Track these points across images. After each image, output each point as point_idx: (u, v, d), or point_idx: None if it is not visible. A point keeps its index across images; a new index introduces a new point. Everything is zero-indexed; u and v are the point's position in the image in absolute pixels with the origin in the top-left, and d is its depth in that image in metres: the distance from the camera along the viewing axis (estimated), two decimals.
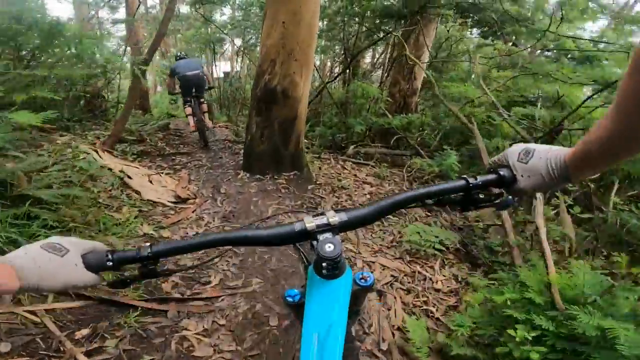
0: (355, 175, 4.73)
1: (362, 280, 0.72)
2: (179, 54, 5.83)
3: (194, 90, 5.18)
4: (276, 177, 4.06)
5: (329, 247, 0.55)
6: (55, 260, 0.52)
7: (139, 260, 0.58)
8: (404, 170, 4.97)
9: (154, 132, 6.00)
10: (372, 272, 0.90)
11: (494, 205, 0.65)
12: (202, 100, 5.39)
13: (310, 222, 0.59)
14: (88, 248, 0.57)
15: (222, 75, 11.11)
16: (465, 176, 0.64)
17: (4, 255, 0.49)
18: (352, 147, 5.52)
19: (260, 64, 3.78)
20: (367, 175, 4.81)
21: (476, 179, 0.64)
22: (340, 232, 0.61)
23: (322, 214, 0.61)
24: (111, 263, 0.57)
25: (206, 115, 5.53)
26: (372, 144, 5.80)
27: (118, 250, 0.58)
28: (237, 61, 12.14)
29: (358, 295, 0.74)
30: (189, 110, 5.22)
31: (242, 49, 10.85)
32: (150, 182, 3.50)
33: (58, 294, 1.42)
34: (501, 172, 0.63)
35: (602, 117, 0.49)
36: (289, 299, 0.74)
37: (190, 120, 5.25)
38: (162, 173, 3.97)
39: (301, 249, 0.85)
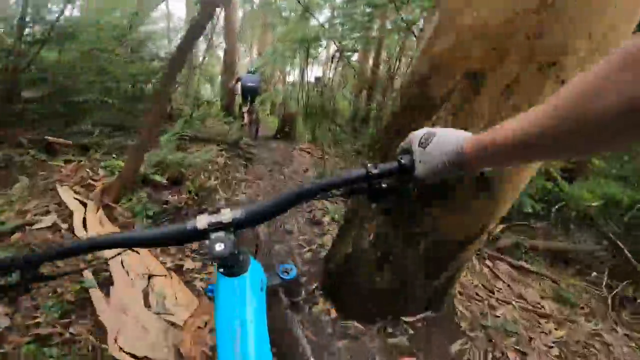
0: (519, 295, 2.61)
1: (285, 273, 0.70)
2: (251, 69, 7.54)
3: (249, 96, 7.01)
4: (390, 328, 1.91)
5: (218, 246, 0.52)
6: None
7: (11, 269, 0.54)
8: (603, 286, 2.71)
9: (202, 164, 3.83)
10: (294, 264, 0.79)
11: (395, 193, 0.62)
12: (255, 103, 7.13)
13: (202, 222, 0.55)
14: None
15: (312, 80, 10.42)
16: (367, 165, 0.61)
17: None
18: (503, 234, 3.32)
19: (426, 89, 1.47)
20: (541, 297, 2.65)
21: (376, 167, 0.60)
22: (237, 229, 0.56)
23: (217, 211, 0.57)
24: None
25: (256, 115, 7.25)
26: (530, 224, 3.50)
27: None
28: (329, 66, 10.89)
29: (288, 289, 0.71)
30: (245, 109, 7.05)
31: (338, 52, 9.18)
32: (147, 293, 1.87)
33: None
34: (402, 160, 0.61)
35: (532, 109, 0.43)
36: (209, 294, 0.69)
37: (246, 116, 7.01)
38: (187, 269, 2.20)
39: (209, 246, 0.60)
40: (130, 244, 0.56)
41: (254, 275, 0.58)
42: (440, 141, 0.55)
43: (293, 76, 15.76)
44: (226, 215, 0.55)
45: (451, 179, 0.58)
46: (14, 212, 2.29)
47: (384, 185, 0.61)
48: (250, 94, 6.98)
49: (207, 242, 0.53)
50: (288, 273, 0.69)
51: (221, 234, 0.54)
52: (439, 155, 0.54)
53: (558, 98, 0.40)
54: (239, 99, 7.82)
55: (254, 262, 0.60)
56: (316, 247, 2.75)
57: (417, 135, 0.59)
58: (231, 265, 0.56)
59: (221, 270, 0.56)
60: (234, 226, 0.55)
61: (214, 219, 0.55)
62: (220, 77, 11.66)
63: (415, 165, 0.58)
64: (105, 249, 0.57)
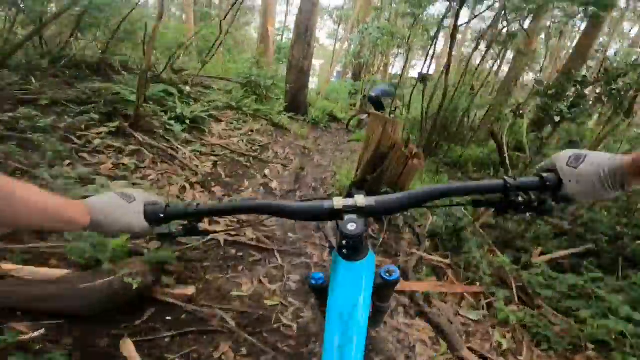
0: None
1: (387, 274, 0.69)
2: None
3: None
4: None
5: (351, 226, 0.56)
6: (124, 206, 0.61)
7: (185, 216, 0.64)
8: None
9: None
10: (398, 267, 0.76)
11: (532, 209, 0.60)
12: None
13: (338, 203, 0.60)
14: (151, 201, 0.64)
15: (416, 76, 8.10)
16: (504, 177, 0.61)
17: (86, 198, 0.59)
18: None
19: None
20: None
21: (515, 179, 0.61)
22: (367, 216, 0.60)
23: (352, 196, 0.62)
24: (162, 215, 0.63)
25: None
26: None
27: (171, 205, 0.65)
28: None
29: (382, 291, 0.74)
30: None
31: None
32: None
33: (116, 235, 0.80)
34: (544, 175, 0.60)
35: None
36: (313, 282, 0.73)
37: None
38: None
39: (325, 233, 0.88)
40: (276, 212, 0.64)
41: (370, 264, 0.61)
42: (595, 162, 0.55)
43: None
44: (361, 200, 0.60)
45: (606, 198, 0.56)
46: None
47: (520, 200, 0.60)
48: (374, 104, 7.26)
49: (339, 221, 0.58)
50: (391, 274, 0.69)
51: (354, 216, 0.58)
52: (598, 175, 0.53)
53: None
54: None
55: (371, 253, 0.62)
56: None
57: (563, 155, 0.59)
58: (356, 248, 0.58)
59: (344, 252, 0.58)
60: (366, 212, 0.59)
61: (348, 202, 0.60)
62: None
63: (564, 183, 0.58)
64: (254, 213, 0.65)
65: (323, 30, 25.62)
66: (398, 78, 8.88)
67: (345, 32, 13.41)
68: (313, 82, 12.66)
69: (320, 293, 0.71)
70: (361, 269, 0.59)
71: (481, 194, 0.62)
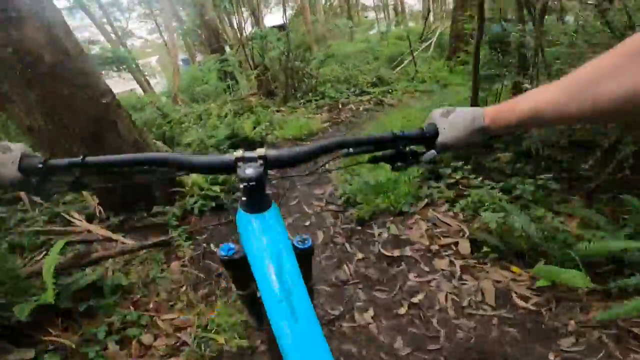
0: None
1: (300, 243, 0.68)
2: None
3: None
4: None
5: (248, 170, 0.56)
6: None
7: (68, 168, 0.61)
8: None
9: None
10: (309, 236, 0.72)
11: (419, 160, 0.68)
12: None
13: (238, 153, 0.59)
14: (30, 154, 0.62)
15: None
16: (393, 130, 0.67)
17: None
18: None
19: None
20: None
21: (402, 132, 0.67)
22: (266, 166, 0.59)
23: (253, 149, 0.61)
24: (41, 166, 0.60)
25: None
26: None
27: (54, 159, 0.61)
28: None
29: (300, 262, 0.62)
30: None
31: None
32: None
33: None
34: (424, 127, 0.67)
35: (546, 86, 0.52)
36: (223, 253, 0.70)
37: None
38: None
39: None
40: (175, 165, 0.61)
41: (277, 215, 0.61)
42: (462, 112, 0.64)
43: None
44: (259, 151, 0.60)
45: (473, 142, 0.65)
46: None
47: (407, 149, 0.68)
48: None
49: (238, 170, 0.57)
50: (304, 242, 0.68)
51: (251, 163, 0.58)
52: (462, 122, 0.62)
53: (572, 77, 0.47)
54: None
55: (274, 205, 0.62)
56: None
57: (438, 110, 0.68)
58: (257, 195, 0.58)
59: (246, 202, 0.59)
60: (265, 163, 0.59)
61: (248, 153, 0.60)
62: None
63: (440, 132, 0.65)
64: (151, 165, 0.62)
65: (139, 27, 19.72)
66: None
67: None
68: (159, 84, 10.68)
69: (233, 267, 0.70)
70: (271, 217, 0.59)
71: (374, 145, 0.67)
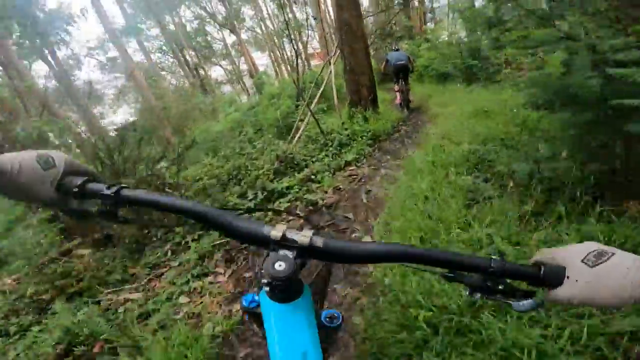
0: None
1: (328, 320, 0.65)
2: (393, 47, 8.19)
3: (401, 74, 7.13)
4: None
5: (278, 265, 0.46)
6: (37, 171, 0.54)
7: (102, 196, 0.56)
8: None
9: None
10: (340, 312, 0.69)
11: (511, 302, 0.48)
12: (407, 81, 7.37)
13: (277, 232, 0.51)
14: (74, 169, 0.58)
15: None
16: (492, 257, 0.49)
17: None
18: None
19: None
20: None
21: (504, 262, 0.47)
22: (305, 257, 0.50)
23: (301, 228, 0.53)
24: (76, 190, 0.56)
25: (409, 92, 7.53)
26: None
27: (94, 181, 0.58)
28: None
29: (326, 338, 0.67)
30: (397, 87, 7.44)
31: None
32: None
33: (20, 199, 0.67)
34: (545, 268, 0.46)
35: None
36: (245, 304, 0.68)
37: (398, 95, 7.51)
38: None
39: (258, 263, 0.71)
40: (207, 222, 0.54)
41: (308, 302, 0.54)
42: (623, 263, 0.41)
43: None
44: (303, 236, 0.50)
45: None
46: None
47: (500, 287, 0.48)
48: (401, 72, 7.12)
49: (271, 254, 0.49)
50: (332, 321, 0.65)
51: (288, 253, 0.49)
52: (617, 281, 0.40)
53: None
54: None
55: (306, 288, 0.54)
56: None
57: (578, 248, 0.45)
58: (284, 290, 0.50)
59: (269, 292, 0.50)
60: (305, 251, 0.50)
61: (290, 234, 0.51)
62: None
63: (567, 284, 0.43)
64: (184, 215, 0.55)
65: None
66: None
67: None
68: None
69: (254, 318, 0.64)
70: (296, 309, 0.51)
71: (458, 268, 0.48)
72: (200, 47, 22.02)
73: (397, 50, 7.60)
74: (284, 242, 0.50)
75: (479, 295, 0.49)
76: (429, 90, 8.98)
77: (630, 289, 0.40)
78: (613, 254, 0.43)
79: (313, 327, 0.52)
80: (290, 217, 3.07)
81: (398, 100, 7.46)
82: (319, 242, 0.50)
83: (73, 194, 0.56)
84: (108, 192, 0.56)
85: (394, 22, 13.14)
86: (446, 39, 11.66)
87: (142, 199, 0.56)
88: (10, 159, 0.52)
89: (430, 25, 17.00)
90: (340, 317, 0.65)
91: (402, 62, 7.13)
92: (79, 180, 0.56)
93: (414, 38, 13.76)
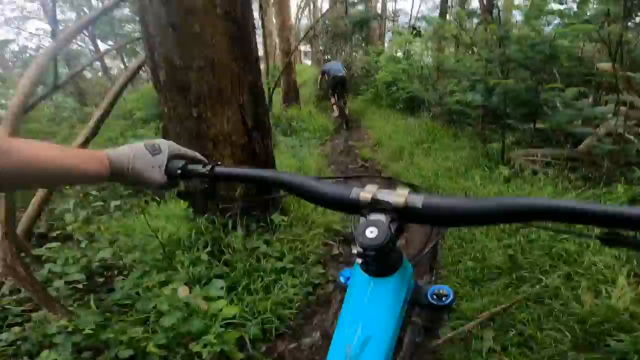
0: None
1: (436, 298, 0.52)
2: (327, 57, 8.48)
3: (338, 88, 6.69)
4: None
5: (370, 232, 0.40)
6: (146, 157, 0.60)
7: (199, 175, 0.62)
8: None
9: None
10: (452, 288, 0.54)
11: None
12: (345, 96, 6.89)
13: (367, 195, 0.44)
14: (177, 153, 0.64)
15: None
16: None
17: (110, 149, 0.58)
18: None
19: None
20: None
21: None
22: (403, 221, 0.43)
23: (394, 187, 0.46)
24: (180, 171, 0.62)
25: (347, 106, 7.03)
26: None
27: (193, 163, 0.64)
28: None
29: (429, 319, 0.63)
30: (333, 100, 6.89)
31: None
32: None
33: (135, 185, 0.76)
34: None
35: None
36: (342, 279, 0.61)
37: (335, 109, 6.94)
38: None
39: (353, 228, 0.50)
40: (297, 191, 0.54)
41: (403, 280, 0.47)
42: None
43: None
44: (398, 195, 0.43)
45: None
46: None
47: None
48: (340, 85, 6.66)
49: (360, 221, 0.43)
50: (441, 299, 0.51)
51: (380, 217, 0.43)
52: None
53: None
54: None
55: (406, 263, 0.48)
56: None
57: None
58: (376, 262, 0.43)
59: (362, 264, 0.45)
60: (402, 213, 0.43)
61: (380, 194, 0.44)
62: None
63: None
64: (274, 186, 0.58)
65: None
66: None
67: None
68: None
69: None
70: (386, 287, 0.45)
71: (617, 224, 0.34)
72: None
73: (330, 60, 7.13)
74: (376, 205, 0.44)
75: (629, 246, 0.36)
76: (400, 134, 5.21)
77: None
78: None
79: (396, 311, 0.44)
80: None
81: (335, 115, 7.05)
82: (417, 201, 0.42)
83: (179, 175, 0.62)
84: (204, 170, 0.61)
85: (347, 21, 10.36)
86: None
87: (235, 174, 0.61)
88: (124, 151, 0.59)
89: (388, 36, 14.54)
90: (452, 293, 0.52)
91: (341, 74, 6.70)
92: (180, 163, 0.62)
93: (370, 43, 11.07)
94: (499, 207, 0.39)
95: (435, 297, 0.52)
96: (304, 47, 19.12)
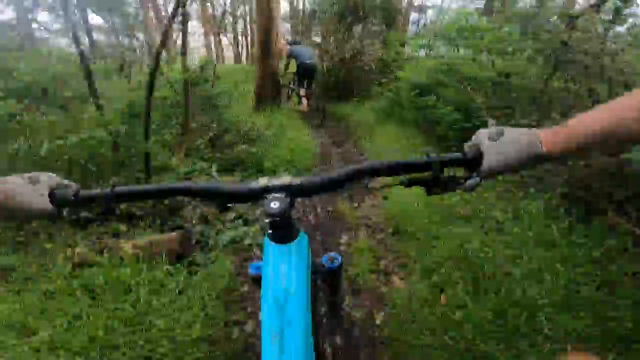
0: None
1: (330, 262, 0.72)
2: (294, 40, 6.49)
3: (306, 77, 5.91)
4: None
5: (274, 205, 0.54)
6: (27, 188, 0.58)
7: (99, 200, 0.61)
8: None
9: None
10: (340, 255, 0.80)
11: (459, 186, 0.60)
12: (312, 85, 6.16)
13: (262, 182, 0.59)
14: (61, 184, 0.62)
15: None
16: (428, 154, 0.60)
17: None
18: None
19: None
20: None
21: (439, 156, 0.59)
22: (293, 195, 0.58)
23: (278, 177, 0.60)
24: (74, 198, 0.60)
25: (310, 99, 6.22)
26: None
27: (85, 190, 0.62)
28: None
29: (329, 280, 0.78)
30: (302, 92, 6.02)
31: None
32: None
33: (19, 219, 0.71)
34: (466, 150, 0.59)
35: (604, 106, 0.52)
36: (252, 271, 0.73)
37: (304, 101, 6.04)
38: None
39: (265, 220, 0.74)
40: (201, 194, 0.61)
41: (302, 246, 0.60)
42: (514, 135, 0.56)
43: None
44: (285, 180, 0.58)
45: (524, 168, 0.56)
46: None
47: (446, 176, 0.59)
48: (310, 73, 5.84)
49: (263, 201, 0.55)
50: (333, 262, 0.71)
51: (278, 194, 0.56)
52: (513, 147, 0.55)
53: (618, 104, 0.51)
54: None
55: (302, 234, 0.61)
56: None
57: (486, 131, 0.59)
58: (282, 228, 0.57)
59: (271, 234, 0.58)
60: (291, 191, 0.57)
61: (272, 181, 0.58)
62: None
63: (485, 157, 0.57)
64: (176, 195, 0.62)
65: None
66: None
67: None
68: None
69: (260, 283, 0.66)
70: (290, 251, 0.58)
71: (407, 171, 0.60)
72: None
73: (299, 43, 6.27)
74: (272, 188, 0.57)
75: (437, 192, 0.60)
76: None
77: (519, 154, 0.54)
78: (505, 129, 0.57)
79: (302, 269, 0.57)
80: None
81: (304, 107, 6.10)
82: (298, 181, 0.58)
83: (70, 202, 0.60)
84: (105, 192, 0.60)
85: None
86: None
87: (135, 191, 0.62)
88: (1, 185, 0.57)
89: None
90: (340, 258, 0.75)
91: (312, 61, 5.81)
92: (71, 191, 0.61)
93: (392, 26, 8.06)
94: (341, 175, 0.58)
95: (329, 261, 0.75)
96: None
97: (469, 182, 0.58)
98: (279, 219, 0.53)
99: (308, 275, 0.58)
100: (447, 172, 0.59)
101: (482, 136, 0.58)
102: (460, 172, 0.60)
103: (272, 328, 0.50)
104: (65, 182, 0.63)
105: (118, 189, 0.60)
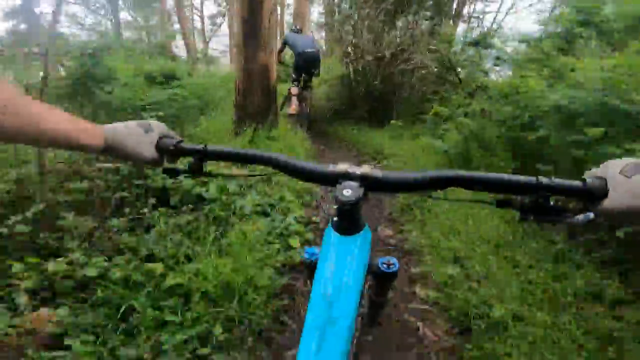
0: None
1: (385, 266, 0.68)
2: (295, 27, 5.22)
3: (304, 72, 4.66)
4: None
5: (346, 192, 0.51)
6: (139, 134, 0.62)
7: (192, 153, 0.65)
8: None
9: None
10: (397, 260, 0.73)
11: (568, 219, 0.49)
12: (309, 84, 4.81)
13: (341, 167, 0.56)
14: (167, 134, 0.66)
15: None
16: (539, 176, 0.49)
17: (106, 124, 0.60)
18: None
19: None
20: None
21: (551, 179, 0.49)
22: (368, 188, 0.54)
23: (359, 165, 0.57)
24: (172, 148, 0.64)
25: (311, 97, 4.96)
26: None
27: (184, 142, 0.66)
28: None
29: (379, 283, 0.73)
30: (295, 90, 4.64)
31: None
32: None
33: (133, 161, 0.78)
34: (588, 180, 0.48)
35: None
36: (306, 256, 0.72)
37: (294, 101, 4.65)
38: None
39: (324, 208, 0.85)
40: (283, 168, 0.61)
41: (365, 241, 0.56)
42: None
43: None
44: (363, 169, 0.55)
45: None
46: None
47: (551, 204, 0.49)
48: (308, 67, 4.56)
49: (337, 187, 0.52)
50: (389, 267, 0.68)
51: (352, 183, 0.53)
52: None
53: None
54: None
55: (367, 229, 0.58)
56: None
57: (618, 163, 0.48)
58: (349, 219, 0.54)
59: (336, 222, 0.54)
60: (367, 182, 0.54)
61: (352, 169, 0.55)
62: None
63: (611, 193, 0.46)
64: (260, 164, 0.63)
65: None
66: None
67: None
68: None
69: (312, 270, 0.62)
70: (353, 244, 0.54)
71: (503, 190, 0.52)
72: None
73: (299, 31, 4.94)
74: (348, 176, 0.54)
75: (531, 217, 0.50)
76: None
77: None
78: None
79: (360, 266, 0.53)
80: None
81: (293, 109, 4.63)
82: (378, 173, 0.54)
83: (170, 152, 0.64)
84: (198, 147, 0.64)
85: None
86: None
87: (225, 152, 0.65)
88: (119, 128, 0.61)
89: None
90: (397, 265, 0.69)
91: (312, 50, 4.53)
92: (173, 141, 0.65)
93: (457, 16, 5.69)
94: (427, 177, 0.53)
95: (385, 265, 0.68)
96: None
97: (581, 217, 0.48)
98: (348, 208, 0.50)
99: (364, 274, 0.53)
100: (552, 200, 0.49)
101: (611, 168, 0.47)
102: (571, 202, 0.51)
103: (315, 323, 0.46)
104: (172, 132, 0.67)
105: (210, 147, 0.64)
